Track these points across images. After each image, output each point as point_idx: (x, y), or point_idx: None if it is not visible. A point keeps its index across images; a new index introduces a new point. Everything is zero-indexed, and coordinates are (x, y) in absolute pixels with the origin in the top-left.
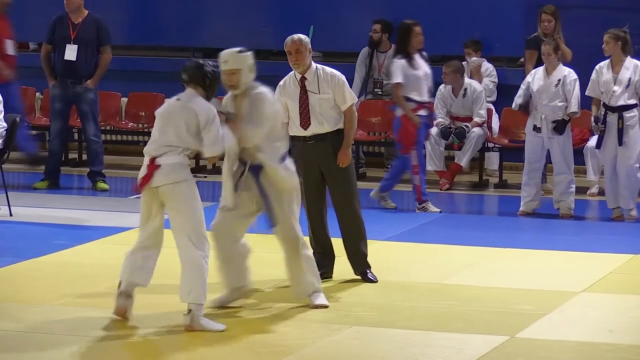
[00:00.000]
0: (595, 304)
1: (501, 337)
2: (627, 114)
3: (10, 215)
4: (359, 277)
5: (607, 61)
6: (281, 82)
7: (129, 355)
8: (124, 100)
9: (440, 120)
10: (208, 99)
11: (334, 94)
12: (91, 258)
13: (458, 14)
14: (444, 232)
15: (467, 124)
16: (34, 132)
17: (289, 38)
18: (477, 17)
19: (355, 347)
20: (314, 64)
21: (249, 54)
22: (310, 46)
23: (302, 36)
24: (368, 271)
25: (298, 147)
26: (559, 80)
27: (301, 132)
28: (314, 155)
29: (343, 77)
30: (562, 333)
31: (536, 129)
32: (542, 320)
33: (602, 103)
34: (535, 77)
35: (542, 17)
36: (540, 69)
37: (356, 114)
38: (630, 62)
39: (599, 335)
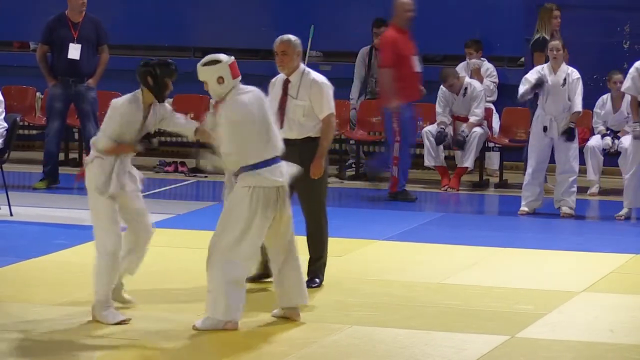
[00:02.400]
0: (595, 304)
1: (501, 337)
2: None
3: (11, 215)
4: (358, 277)
5: None
6: (273, 79)
7: (129, 355)
8: None
9: (442, 119)
10: (159, 100)
11: (312, 101)
12: (91, 258)
13: (458, 13)
14: (444, 232)
15: (465, 130)
16: (34, 132)
17: (278, 38)
18: (478, 17)
19: (355, 347)
20: (302, 67)
21: (215, 66)
22: (299, 49)
23: (292, 37)
24: (317, 279)
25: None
26: (565, 79)
27: (285, 135)
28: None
29: (328, 86)
30: (563, 333)
31: (545, 130)
32: (543, 320)
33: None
34: (543, 74)
35: (554, 14)
36: (545, 68)
37: (334, 125)
38: None
39: (599, 335)
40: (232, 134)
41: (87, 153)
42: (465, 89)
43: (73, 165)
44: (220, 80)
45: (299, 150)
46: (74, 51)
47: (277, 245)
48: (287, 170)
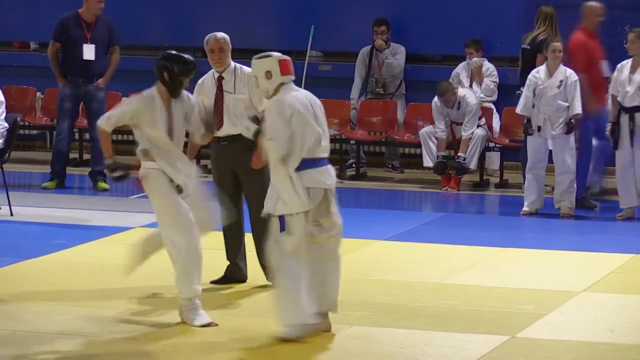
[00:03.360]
0: (595, 304)
1: (502, 337)
2: (638, 115)
3: (11, 214)
4: (358, 277)
5: (630, 60)
6: (200, 80)
7: (129, 354)
8: (125, 100)
9: (440, 135)
10: (172, 96)
11: (250, 94)
12: (91, 258)
13: (459, 13)
14: (445, 232)
15: (464, 155)
16: (34, 132)
17: (211, 36)
18: (478, 16)
19: (355, 347)
20: (232, 63)
21: (265, 59)
22: (231, 46)
23: (225, 35)
24: None
25: (212, 149)
26: (561, 81)
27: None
28: (228, 156)
29: None
30: (563, 333)
31: (539, 129)
32: (543, 320)
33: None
34: (538, 77)
35: (558, 15)
36: (542, 69)
37: None
38: None
39: (599, 335)
40: (282, 131)
41: (92, 152)
42: (459, 103)
43: (73, 165)
44: (269, 74)
45: (245, 144)
46: (89, 52)
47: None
48: (334, 173)
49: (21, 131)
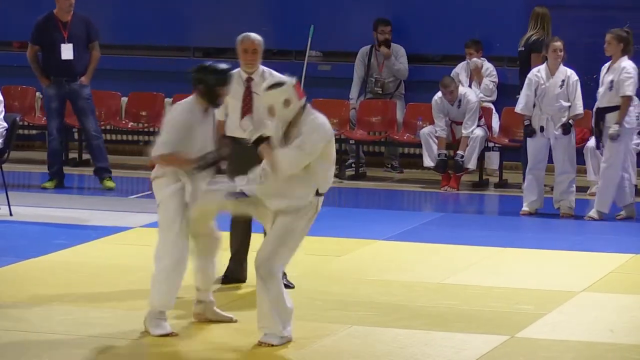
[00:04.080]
0: (595, 304)
1: (501, 337)
2: (608, 116)
3: (10, 214)
4: (358, 277)
5: (610, 62)
6: None
7: (129, 354)
8: (124, 99)
9: (440, 134)
10: (213, 106)
11: (260, 115)
12: (91, 258)
13: (458, 13)
14: (444, 232)
15: (462, 153)
16: (33, 132)
17: (246, 36)
18: (478, 16)
19: (355, 347)
20: (261, 66)
21: (280, 88)
22: (263, 48)
23: (259, 37)
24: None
25: (237, 149)
26: (563, 80)
27: (242, 133)
28: (249, 157)
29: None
30: (563, 333)
31: (542, 129)
32: (543, 320)
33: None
34: (540, 76)
35: (552, 15)
36: (542, 68)
37: None
38: (619, 62)
39: (599, 335)
40: (317, 150)
41: (90, 149)
42: (460, 101)
43: (73, 165)
44: (287, 103)
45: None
46: (67, 51)
47: None
48: None
49: (20, 131)
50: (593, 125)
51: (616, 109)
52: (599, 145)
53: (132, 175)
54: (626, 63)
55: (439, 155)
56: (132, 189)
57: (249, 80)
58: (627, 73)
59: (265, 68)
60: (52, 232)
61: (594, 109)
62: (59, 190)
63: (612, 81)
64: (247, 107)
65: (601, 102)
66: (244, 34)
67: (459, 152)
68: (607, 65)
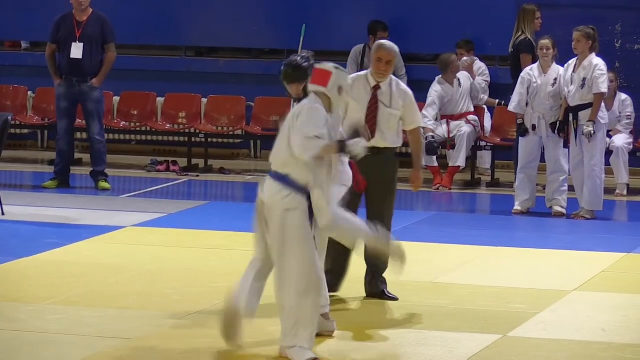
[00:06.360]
0: (587, 303)
1: (494, 336)
2: (581, 114)
3: (2, 214)
4: (350, 277)
5: (575, 59)
6: (349, 79)
7: (121, 354)
8: (116, 99)
9: (429, 127)
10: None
11: (405, 111)
12: (82, 257)
13: (450, 13)
14: (437, 231)
15: (430, 134)
16: (25, 131)
17: (383, 45)
18: (469, 16)
19: (347, 347)
20: (390, 76)
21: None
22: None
23: (396, 47)
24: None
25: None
26: (555, 79)
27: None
28: (364, 166)
29: (413, 95)
30: (555, 332)
31: (533, 128)
32: (535, 319)
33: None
34: (532, 75)
35: (537, 14)
36: (535, 67)
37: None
38: (588, 60)
39: (591, 334)
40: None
41: (91, 152)
42: (459, 79)
43: (79, 166)
44: (340, 90)
45: (384, 158)
46: (76, 50)
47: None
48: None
49: (12, 130)
50: (559, 123)
51: (589, 106)
52: (566, 144)
53: (123, 174)
54: (597, 60)
55: (427, 137)
56: (124, 188)
57: (376, 88)
58: (600, 70)
59: (394, 78)
60: (43, 231)
61: (566, 107)
62: (50, 190)
63: (584, 79)
64: (372, 116)
65: (573, 100)
66: (381, 42)
67: (430, 134)
68: (571, 63)
